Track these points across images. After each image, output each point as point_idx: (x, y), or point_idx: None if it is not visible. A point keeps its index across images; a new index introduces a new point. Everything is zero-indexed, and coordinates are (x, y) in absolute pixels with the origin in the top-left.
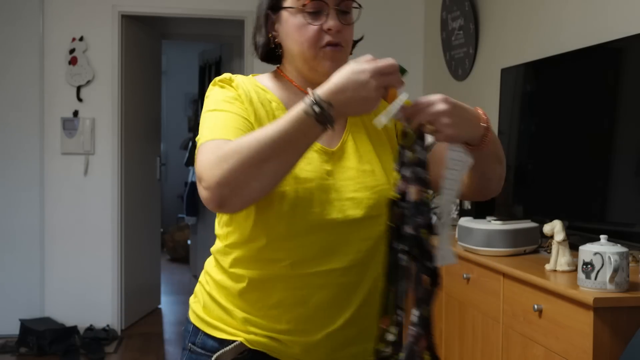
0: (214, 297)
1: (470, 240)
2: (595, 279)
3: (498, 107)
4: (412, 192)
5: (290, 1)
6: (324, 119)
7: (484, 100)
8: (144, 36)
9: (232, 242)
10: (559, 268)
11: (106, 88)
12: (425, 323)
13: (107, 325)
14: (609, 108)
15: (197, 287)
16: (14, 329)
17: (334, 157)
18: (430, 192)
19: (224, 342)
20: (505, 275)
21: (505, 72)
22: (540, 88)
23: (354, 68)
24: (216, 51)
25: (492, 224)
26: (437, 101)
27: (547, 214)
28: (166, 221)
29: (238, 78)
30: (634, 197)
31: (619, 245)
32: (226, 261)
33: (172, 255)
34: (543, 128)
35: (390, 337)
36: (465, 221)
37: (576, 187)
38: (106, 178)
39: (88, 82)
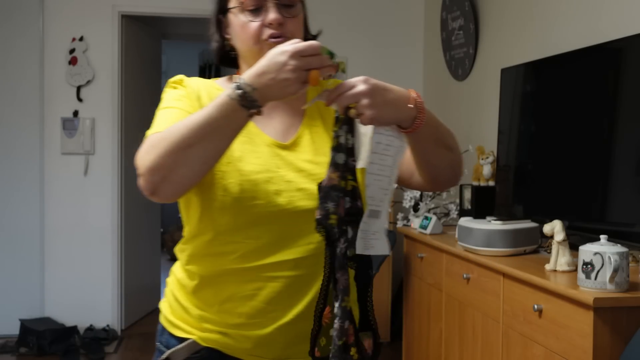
0: (175, 296)
1: (470, 240)
2: (595, 279)
3: (498, 107)
4: (326, 178)
5: (233, 2)
6: (247, 102)
7: (484, 100)
8: (144, 36)
9: (185, 239)
10: (559, 268)
11: (106, 88)
12: (349, 316)
13: (107, 325)
14: (609, 108)
15: (166, 288)
16: (14, 329)
17: (287, 150)
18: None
19: (182, 341)
20: (505, 275)
21: (505, 72)
22: (540, 88)
23: (276, 50)
24: None
25: (492, 224)
26: (357, 82)
27: (547, 214)
28: (166, 221)
29: (191, 79)
30: (634, 197)
31: (619, 245)
32: (183, 259)
33: (172, 255)
34: (543, 128)
35: (331, 330)
36: (465, 221)
37: (576, 187)
38: (106, 178)
39: (88, 82)
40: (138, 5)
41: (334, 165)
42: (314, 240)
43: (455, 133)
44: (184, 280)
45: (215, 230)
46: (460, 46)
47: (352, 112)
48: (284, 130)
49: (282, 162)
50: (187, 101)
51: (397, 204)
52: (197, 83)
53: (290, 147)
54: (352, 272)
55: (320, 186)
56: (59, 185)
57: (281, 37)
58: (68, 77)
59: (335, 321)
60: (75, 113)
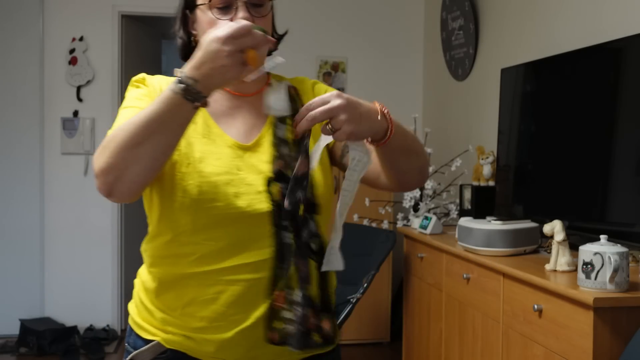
0: (141, 298)
1: (470, 240)
2: (595, 279)
3: (498, 107)
4: (299, 164)
5: None
6: (190, 95)
7: (484, 100)
8: (144, 36)
9: (147, 237)
10: (559, 268)
11: (106, 88)
12: (310, 303)
13: (107, 325)
14: (609, 108)
15: (134, 290)
16: (14, 329)
17: (249, 151)
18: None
19: (148, 343)
20: (505, 275)
21: (505, 72)
22: (540, 88)
23: (207, 39)
24: None
25: (492, 224)
26: (331, 97)
27: (547, 214)
28: None
29: (153, 78)
30: (634, 197)
31: (619, 245)
32: (147, 261)
33: None
34: (543, 128)
35: (289, 314)
36: (465, 221)
37: (576, 187)
38: None
39: (88, 82)
40: (138, 5)
41: (305, 152)
42: (274, 243)
43: (455, 133)
44: (147, 283)
45: (174, 232)
46: (460, 46)
47: (328, 127)
48: (246, 131)
49: (243, 163)
50: (147, 100)
51: (397, 204)
52: (159, 81)
53: (251, 148)
54: (313, 263)
55: (293, 175)
56: (59, 185)
57: None
58: (68, 77)
59: (298, 308)
60: (75, 113)
